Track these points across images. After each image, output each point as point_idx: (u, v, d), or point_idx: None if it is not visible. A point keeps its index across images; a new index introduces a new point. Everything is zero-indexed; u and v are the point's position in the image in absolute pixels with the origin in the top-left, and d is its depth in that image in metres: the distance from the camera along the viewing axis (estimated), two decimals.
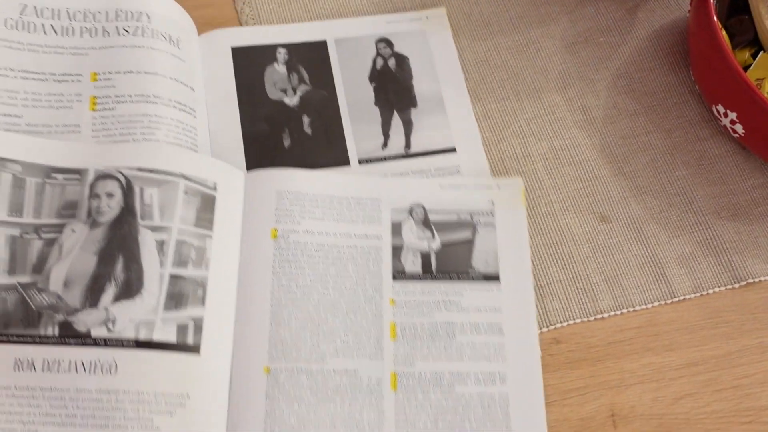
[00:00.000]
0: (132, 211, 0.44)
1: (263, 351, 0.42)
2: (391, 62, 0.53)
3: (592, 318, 0.48)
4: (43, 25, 0.46)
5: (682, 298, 0.48)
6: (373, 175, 0.48)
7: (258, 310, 0.43)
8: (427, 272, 0.46)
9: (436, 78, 0.52)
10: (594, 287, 0.48)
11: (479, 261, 0.46)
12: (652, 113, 0.53)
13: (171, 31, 0.46)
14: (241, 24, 0.52)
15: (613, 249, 0.49)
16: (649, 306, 0.48)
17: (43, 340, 0.40)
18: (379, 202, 0.48)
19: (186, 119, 0.45)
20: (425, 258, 0.47)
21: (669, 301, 0.48)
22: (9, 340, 0.40)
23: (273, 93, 0.51)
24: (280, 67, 0.53)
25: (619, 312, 0.48)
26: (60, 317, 0.41)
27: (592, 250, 0.49)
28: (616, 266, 0.49)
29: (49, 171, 0.43)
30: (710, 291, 0.48)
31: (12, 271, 0.41)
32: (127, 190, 0.44)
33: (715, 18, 0.47)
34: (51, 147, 0.43)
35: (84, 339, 0.40)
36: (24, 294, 0.42)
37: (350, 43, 0.53)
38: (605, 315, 0.47)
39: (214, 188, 0.44)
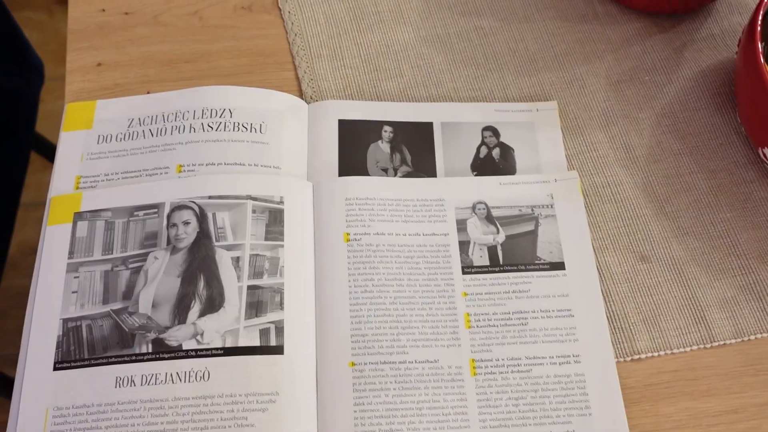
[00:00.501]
0: (207, 234, 0.54)
1: (347, 347, 0.51)
2: (495, 152, 0.61)
3: (628, 358, 0.55)
4: (143, 131, 0.59)
5: (722, 342, 0.56)
6: (435, 179, 0.59)
7: (337, 309, 0.53)
8: (495, 264, 0.55)
9: (539, 174, 0.61)
10: (632, 327, 0.56)
11: (544, 251, 0.56)
12: (697, 153, 0.64)
13: (253, 119, 0.60)
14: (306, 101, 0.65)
15: (653, 290, 0.58)
16: (688, 349, 0.55)
17: (139, 358, 0.50)
18: (443, 202, 0.57)
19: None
20: (492, 251, 0.56)
21: (708, 346, 0.56)
22: (108, 362, 0.50)
23: (374, 171, 0.60)
24: (384, 146, 0.60)
25: (656, 354, 0.55)
26: (152, 336, 0.51)
27: (630, 289, 0.58)
28: (655, 307, 0.57)
29: (132, 210, 0.55)
30: (752, 337, 0.56)
31: (106, 300, 0.52)
32: (201, 217, 0.55)
33: (763, 60, 0.57)
34: (133, 191, 0.56)
35: (176, 352, 0.50)
36: (117, 319, 0.51)
37: (456, 128, 0.62)
38: (642, 356, 0.56)
39: (281, 202, 0.56)
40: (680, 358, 0.54)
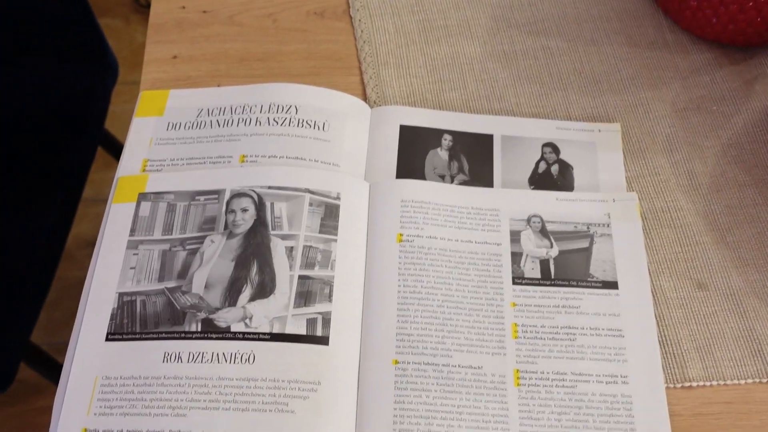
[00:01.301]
0: (264, 222, 0.56)
1: (391, 344, 0.52)
2: (554, 168, 0.62)
3: (678, 385, 0.54)
4: (211, 121, 0.62)
5: None
6: (492, 189, 0.59)
7: (385, 306, 0.54)
8: (546, 278, 0.55)
9: (598, 193, 0.61)
10: (684, 353, 0.56)
11: (597, 269, 0.55)
12: (763, 186, 0.63)
13: (318, 117, 0.62)
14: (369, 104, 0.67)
15: (708, 318, 0.57)
16: (742, 382, 0.54)
17: (188, 336, 0.52)
18: (498, 213, 0.58)
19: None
20: (544, 264, 0.56)
21: (765, 380, 0.54)
22: (158, 337, 0.52)
23: (431, 177, 0.61)
24: (442, 153, 0.61)
25: (708, 383, 0.54)
26: (202, 315, 0.53)
27: (685, 315, 0.57)
28: (710, 336, 0.56)
29: (194, 194, 0.58)
30: None
31: (161, 278, 0.54)
32: (259, 206, 0.57)
33: None
34: (195, 176, 0.59)
35: (224, 334, 0.52)
36: (170, 297, 0.53)
37: (516, 142, 0.63)
38: (693, 384, 0.55)
39: (338, 198, 0.57)
40: (734, 390, 0.53)
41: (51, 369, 0.99)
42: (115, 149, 1.16)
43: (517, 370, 0.52)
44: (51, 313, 1.24)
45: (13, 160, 0.94)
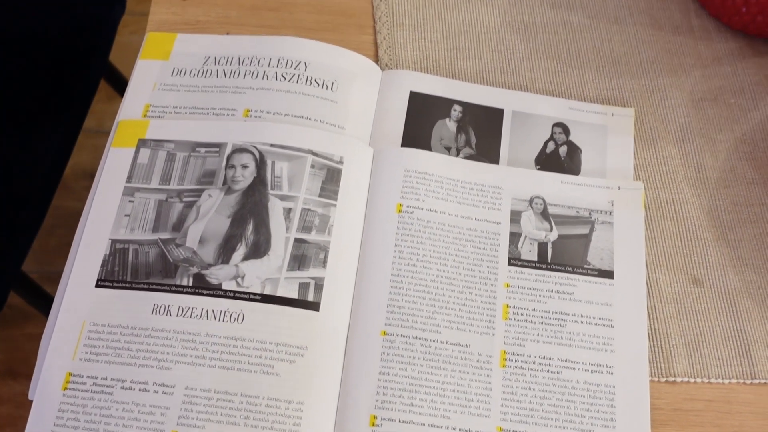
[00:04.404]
0: (263, 181, 0.56)
1: (381, 316, 0.52)
2: (562, 150, 0.61)
3: (662, 379, 0.55)
4: (217, 70, 0.62)
5: (763, 381, 0.55)
6: (497, 166, 0.59)
7: (378, 277, 0.54)
8: (543, 261, 0.55)
9: (604, 179, 0.61)
10: (672, 348, 0.56)
11: (594, 256, 0.56)
12: None
13: (327, 76, 0.61)
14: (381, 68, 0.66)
15: (700, 315, 0.57)
16: (727, 381, 0.55)
17: (179, 289, 0.52)
18: (501, 191, 0.58)
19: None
20: (542, 247, 0.56)
21: (749, 382, 0.55)
22: (149, 288, 0.52)
23: (437, 147, 0.60)
24: (450, 124, 0.61)
25: (692, 380, 0.55)
26: (194, 270, 0.53)
27: (677, 310, 0.57)
28: (699, 333, 0.56)
29: (195, 146, 0.57)
30: None
31: (156, 229, 0.54)
32: (260, 163, 0.56)
33: None
34: (198, 126, 0.58)
35: (215, 291, 0.52)
36: (164, 248, 0.53)
37: (527, 119, 0.62)
38: (677, 379, 0.56)
39: (341, 162, 0.57)
40: (717, 389, 0.53)
41: (39, 298, 1.00)
42: (118, 83, 1.15)
43: (504, 352, 0.53)
44: (45, 241, 1.25)
45: (17, 84, 0.93)
